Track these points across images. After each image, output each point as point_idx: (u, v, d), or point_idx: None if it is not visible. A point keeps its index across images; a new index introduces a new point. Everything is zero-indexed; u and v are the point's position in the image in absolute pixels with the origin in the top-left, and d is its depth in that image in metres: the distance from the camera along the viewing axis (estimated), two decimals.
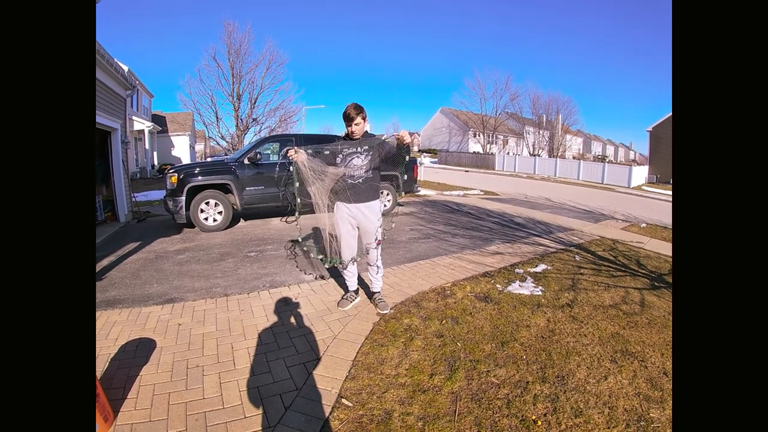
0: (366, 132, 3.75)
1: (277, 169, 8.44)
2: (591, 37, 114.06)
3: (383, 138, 3.67)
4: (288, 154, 3.61)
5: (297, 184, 3.77)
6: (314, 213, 3.93)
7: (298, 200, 3.89)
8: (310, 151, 3.69)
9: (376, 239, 3.86)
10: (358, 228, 3.87)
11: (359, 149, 3.68)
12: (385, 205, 9.72)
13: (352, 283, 4.12)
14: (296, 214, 3.97)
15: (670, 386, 2.92)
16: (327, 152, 3.75)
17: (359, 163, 3.68)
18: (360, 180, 3.68)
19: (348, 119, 3.61)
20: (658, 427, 2.49)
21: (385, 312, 3.93)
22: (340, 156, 3.72)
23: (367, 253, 3.93)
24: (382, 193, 9.63)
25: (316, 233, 4.29)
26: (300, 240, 4.78)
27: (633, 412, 2.59)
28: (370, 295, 4.20)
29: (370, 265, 3.99)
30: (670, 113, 38.71)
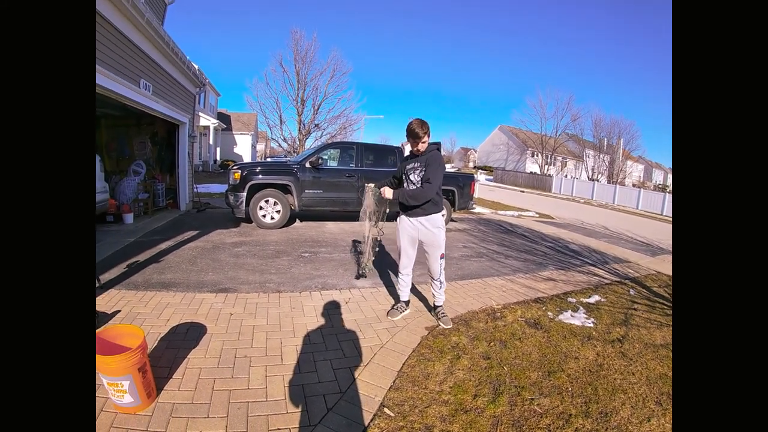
0: (429, 144, 3.78)
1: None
2: (656, 62, 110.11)
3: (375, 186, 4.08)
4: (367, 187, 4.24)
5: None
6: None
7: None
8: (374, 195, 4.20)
9: (440, 253, 3.88)
10: (420, 241, 3.89)
11: (416, 164, 3.75)
12: None
13: (405, 294, 4.14)
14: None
15: None
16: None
17: (415, 179, 3.73)
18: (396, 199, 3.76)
19: (415, 137, 3.64)
20: None
21: (448, 327, 3.95)
22: (404, 174, 3.85)
23: (430, 267, 3.97)
24: None
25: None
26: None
27: None
28: (432, 308, 4.22)
29: (434, 279, 4.00)
30: None
